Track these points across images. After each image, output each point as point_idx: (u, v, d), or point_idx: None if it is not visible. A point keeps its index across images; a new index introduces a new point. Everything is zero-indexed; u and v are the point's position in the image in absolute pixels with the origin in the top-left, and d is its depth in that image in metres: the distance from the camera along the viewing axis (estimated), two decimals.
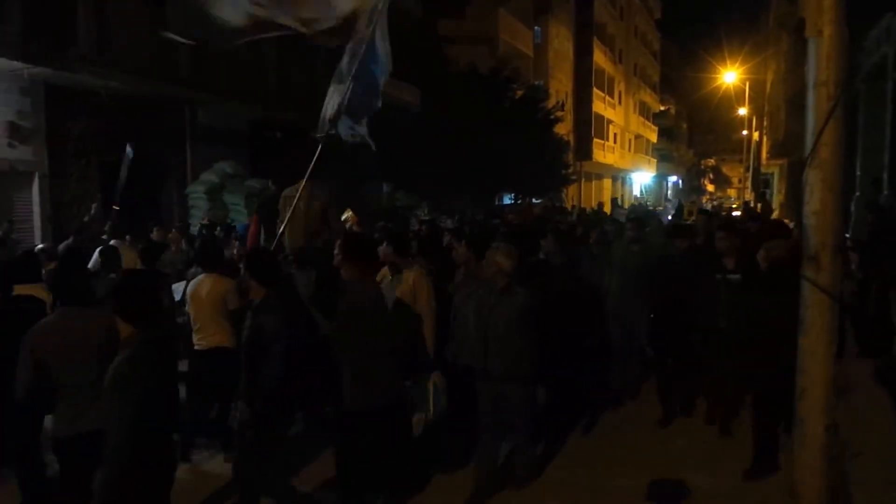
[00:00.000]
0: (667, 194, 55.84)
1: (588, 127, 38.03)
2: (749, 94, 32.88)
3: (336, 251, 4.29)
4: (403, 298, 4.58)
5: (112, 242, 7.42)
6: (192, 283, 5.19)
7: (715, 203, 42.80)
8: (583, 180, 37.91)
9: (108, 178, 11.66)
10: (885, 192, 11.20)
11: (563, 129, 29.20)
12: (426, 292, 4.66)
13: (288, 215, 5.96)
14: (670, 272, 5.67)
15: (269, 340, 3.63)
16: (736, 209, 27.80)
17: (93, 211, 9.45)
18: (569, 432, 5.39)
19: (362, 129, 5.66)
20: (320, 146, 5.46)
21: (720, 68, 35.13)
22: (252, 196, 11.80)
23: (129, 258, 6.65)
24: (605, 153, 40.96)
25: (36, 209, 10.58)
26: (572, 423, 5.50)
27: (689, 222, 12.33)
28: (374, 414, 3.87)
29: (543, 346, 4.32)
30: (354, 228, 7.39)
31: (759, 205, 19.08)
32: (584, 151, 37.24)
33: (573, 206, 24.66)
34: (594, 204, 28.79)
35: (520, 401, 4.30)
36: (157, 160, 12.64)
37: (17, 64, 9.41)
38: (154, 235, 8.65)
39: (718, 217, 10.44)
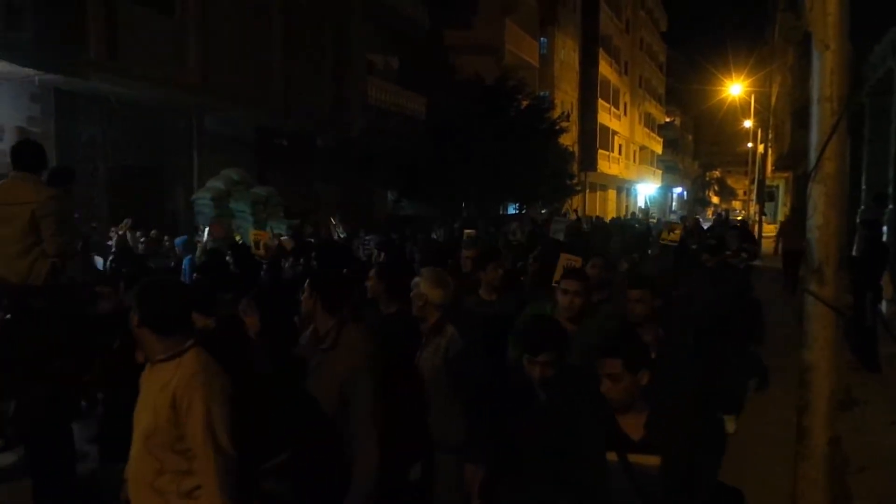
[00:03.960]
0: (671, 206, 55.72)
1: (593, 138, 38.11)
2: (754, 107, 32.88)
3: None
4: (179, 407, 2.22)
5: None
6: None
7: (720, 213, 38.35)
8: (587, 191, 37.94)
9: (115, 184, 11.74)
10: (890, 207, 11.15)
11: (568, 139, 29.23)
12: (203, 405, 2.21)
13: None
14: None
15: None
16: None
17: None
18: None
19: None
20: None
21: (726, 80, 35.18)
22: (258, 203, 11.89)
23: None
24: (609, 164, 41.03)
25: None
26: None
27: (666, 242, 8.62)
28: None
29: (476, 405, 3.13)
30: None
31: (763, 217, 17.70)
32: (589, 162, 37.34)
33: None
34: (598, 213, 28.69)
35: (445, 478, 3.15)
36: (164, 167, 12.71)
37: (28, 70, 9.48)
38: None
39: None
